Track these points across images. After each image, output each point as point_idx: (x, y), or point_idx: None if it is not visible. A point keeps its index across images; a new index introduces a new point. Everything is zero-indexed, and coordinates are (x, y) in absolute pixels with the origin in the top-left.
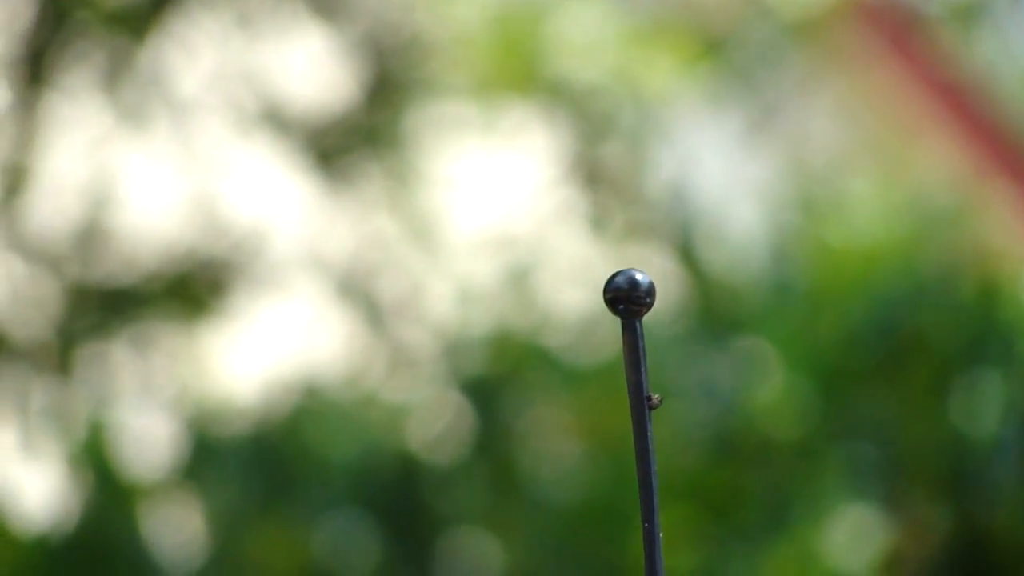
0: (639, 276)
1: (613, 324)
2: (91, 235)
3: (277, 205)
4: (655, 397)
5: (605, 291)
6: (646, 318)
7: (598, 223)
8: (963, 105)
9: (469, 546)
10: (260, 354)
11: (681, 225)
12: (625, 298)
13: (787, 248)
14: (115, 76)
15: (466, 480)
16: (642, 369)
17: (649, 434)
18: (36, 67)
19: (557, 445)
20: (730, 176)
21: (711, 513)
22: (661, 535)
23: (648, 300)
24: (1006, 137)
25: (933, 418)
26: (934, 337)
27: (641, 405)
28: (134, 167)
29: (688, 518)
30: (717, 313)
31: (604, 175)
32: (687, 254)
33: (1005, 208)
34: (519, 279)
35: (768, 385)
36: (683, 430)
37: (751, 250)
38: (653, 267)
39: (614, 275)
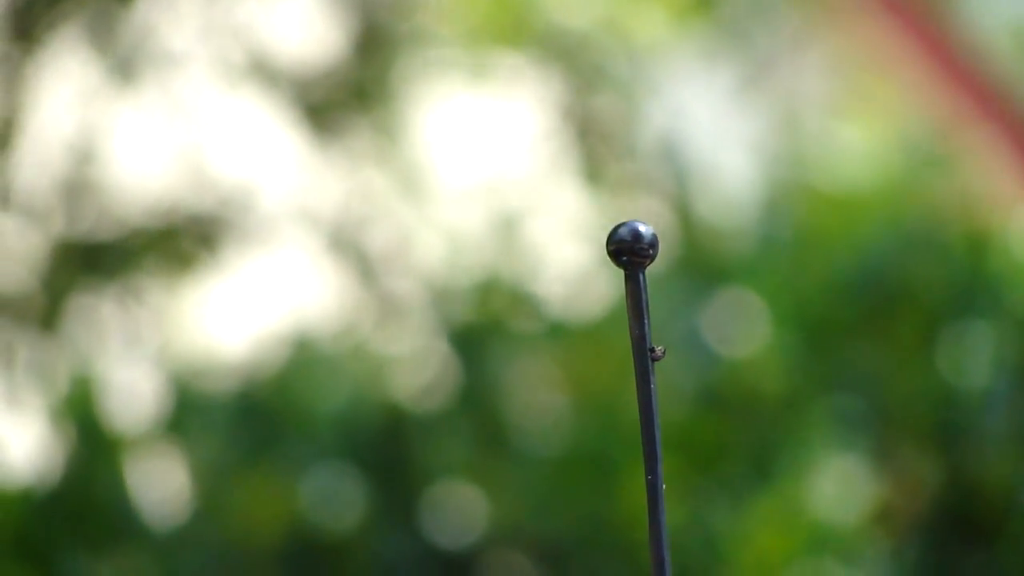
0: (642, 227)
1: (603, 276)
2: (78, 190)
3: (266, 159)
4: (658, 349)
5: (608, 243)
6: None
7: (589, 174)
8: (953, 58)
9: (455, 499)
10: (250, 308)
11: (672, 178)
12: (628, 250)
13: (776, 200)
14: (103, 31)
15: (452, 432)
16: (645, 321)
17: (652, 386)
18: (24, 23)
19: (544, 397)
20: (721, 130)
21: (696, 466)
22: (664, 487)
23: (651, 251)
24: (995, 91)
25: (921, 370)
26: (922, 288)
27: (644, 357)
28: (122, 122)
29: (674, 471)
30: (705, 265)
31: (595, 127)
32: (677, 206)
33: (994, 160)
34: (508, 228)
35: (755, 337)
36: (669, 382)
37: (741, 202)
38: (643, 219)
39: (617, 227)
